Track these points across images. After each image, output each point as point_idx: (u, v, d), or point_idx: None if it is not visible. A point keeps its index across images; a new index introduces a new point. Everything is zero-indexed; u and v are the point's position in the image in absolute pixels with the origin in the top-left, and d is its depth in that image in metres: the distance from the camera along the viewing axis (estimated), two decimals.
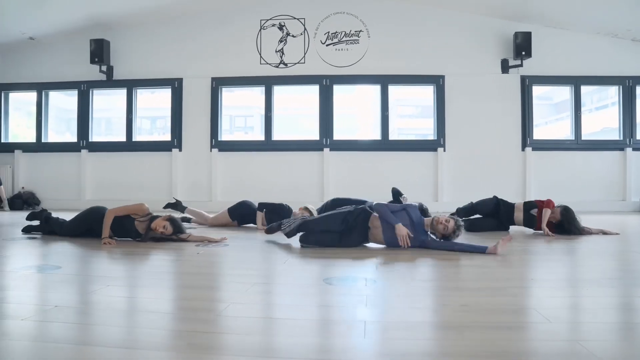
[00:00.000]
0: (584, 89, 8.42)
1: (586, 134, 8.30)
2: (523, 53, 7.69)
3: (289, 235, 3.94)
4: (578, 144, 8.11)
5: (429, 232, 3.75)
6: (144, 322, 1.89)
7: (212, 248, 3.80)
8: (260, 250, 3.84)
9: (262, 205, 5.33)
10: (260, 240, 4.25)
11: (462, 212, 5.29)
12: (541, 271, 3.02)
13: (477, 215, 5.28)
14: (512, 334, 1.71)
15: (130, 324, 1.89)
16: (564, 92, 8.51)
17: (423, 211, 5.00)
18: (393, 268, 3.10)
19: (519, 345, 1.61)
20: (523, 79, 8.07)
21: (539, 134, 8.31)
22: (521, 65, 7.88)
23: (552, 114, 9.45)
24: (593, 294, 2.35)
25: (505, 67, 8.04)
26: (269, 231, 4.28)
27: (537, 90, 11.71)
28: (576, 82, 8.10)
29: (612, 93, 8.57)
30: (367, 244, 3.88)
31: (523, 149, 8.08)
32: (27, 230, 4.56)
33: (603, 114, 9.18)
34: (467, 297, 2.31)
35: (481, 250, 3.46)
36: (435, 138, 8.20)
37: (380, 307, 2.10)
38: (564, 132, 8.47)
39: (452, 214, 4.80)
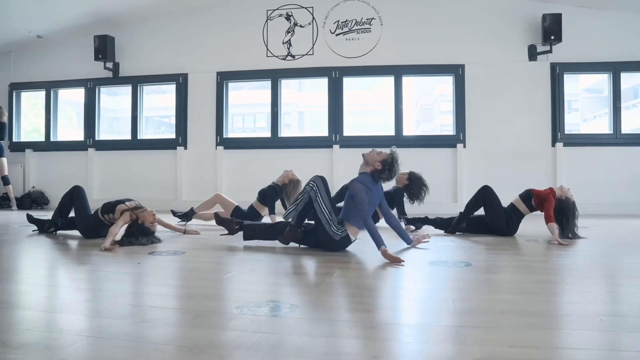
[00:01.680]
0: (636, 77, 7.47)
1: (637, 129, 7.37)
2: (552, 37, 6.86)
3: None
4: (617, 139, 7.15)
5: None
6: None
7: (160, 257, 3.40)
8: (213, 262, 3.39)
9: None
10: (228, 249, 3.82)
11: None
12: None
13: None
14: None
15: None
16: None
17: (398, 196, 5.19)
18: (337, 290, 2.58)
19: None
20: (553, 66, 7.21)
21: (586, 128, 7.46)
22: (550, 51, 7.05)
23: (602, 108, 8.51)
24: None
25: (532, 53, 7.22)
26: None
27: (585, 82, 10.62)
28: (615, 69, 7.15)
29: None
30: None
31: (553, 145, 7.25)
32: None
33: None
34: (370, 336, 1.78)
35: (407, 242, 3.73)
36: (454, 133, 7.51)
37: (263, 351, 1.59)
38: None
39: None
